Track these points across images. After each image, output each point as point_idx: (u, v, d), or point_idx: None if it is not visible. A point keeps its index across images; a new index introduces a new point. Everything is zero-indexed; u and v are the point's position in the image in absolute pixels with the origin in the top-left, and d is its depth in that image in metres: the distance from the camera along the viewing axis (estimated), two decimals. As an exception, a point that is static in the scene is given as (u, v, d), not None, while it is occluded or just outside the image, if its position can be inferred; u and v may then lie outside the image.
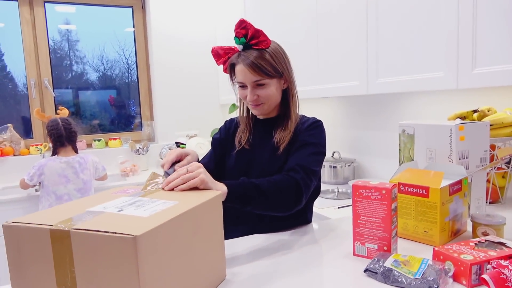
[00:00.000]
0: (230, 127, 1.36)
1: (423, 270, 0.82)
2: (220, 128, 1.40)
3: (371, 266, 0.86)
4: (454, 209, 1.06)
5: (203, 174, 0.88)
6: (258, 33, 1.13)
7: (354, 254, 0.98)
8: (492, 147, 1.35)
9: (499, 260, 0.79)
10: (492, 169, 1.35)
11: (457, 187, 1.07)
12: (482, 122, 1.22)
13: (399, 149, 1.37)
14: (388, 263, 0.85)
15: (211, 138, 3.37)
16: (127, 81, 3.41)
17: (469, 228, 1.13)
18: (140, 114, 3.40)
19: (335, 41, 1.90)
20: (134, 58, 3.34)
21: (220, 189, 0.90)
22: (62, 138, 2.32)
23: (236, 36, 1.15)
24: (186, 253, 0.72)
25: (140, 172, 2.98)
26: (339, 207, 1.78)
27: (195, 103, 3.39)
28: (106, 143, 3.18)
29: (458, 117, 1.39)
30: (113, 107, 3.40)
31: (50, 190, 2.26)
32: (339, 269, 0.91)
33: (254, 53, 1.13)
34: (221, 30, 3.28)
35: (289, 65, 1.22)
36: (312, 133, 1.18)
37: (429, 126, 1.25)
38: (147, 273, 0.61)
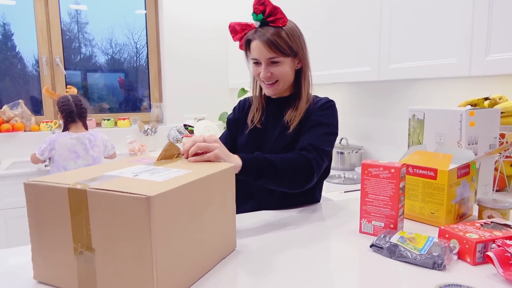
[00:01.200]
0: (244, 106, 1.37)
1: (428, 246, 0.83)
2: (234, 108, 1.41)
3: (377, 241, 0.88)
4: (461, 193, 1.07)
5: (218, 149, 0.90)
6: (276, 10, 1.14)
7: (360, 231, 1.00)
8: (502, 136, 1.35)
9: (504, 240, 0.80)
10: (500, 157, 1.35)
11: (465, 171, 1.08)
12: (493, 109, 1.22)
13: (408, 134, 1.37)
14: (394, 239, 0.86)
15: (219, 122, 3.38)
16: (135, 65, 3.42)
17: (475, 212, 1.14)
18: (149, 95, 3.42)
19: (347, 26, 1.90)
20: (143, 42, 3.34)
21: (234, 162, 0.92)
22: (73, 114, 2.34)
23: (254, 12, 1.16)
24: (197, 220, 0.74)
25: (148, 153, 3.01)
26: (345, 191, 1.79)
27: (204, 86, 3.40)
28: (115, 123, 3.21)
29: (469, 104, 1.39)
30: (122, 89, 3.42)
31: (60, 165, 2.29)
32: (345, 244, 0.93)
33: (270, 30, 1.14)
34: (233, 14, 3.26)
35: (304, 45, 1.22)
36: (325, 113, 1.19)
37: (440, 111, 1.25)
38: (158, 234, 0.63)
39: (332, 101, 1.24)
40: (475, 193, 1.22)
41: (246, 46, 1.22)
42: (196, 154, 0.90)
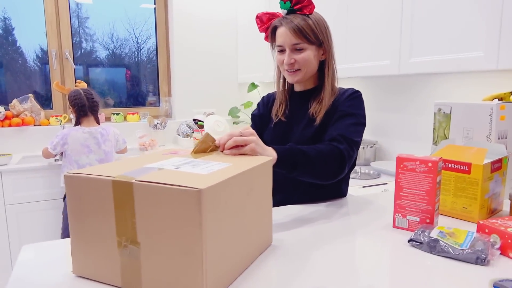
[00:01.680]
0: (268, 102, 1.37)
1: (469, 241, 0.82)
2: (258, 103, 1.41)
3: (416, 236, 0.87)
4: (493, 187, 1.06)
5: (254, 143, 0.89)
6: None
7: (394, 226, 0.99)
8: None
9: (548, 235, 0.79)
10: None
11: (498, 165, 1.06)
12: (523, 103, 1.20)
13: (434, 128, 1.36)
14: (434, 234, 0.85)
15: (228, 117, 3.37)
16: (136, 60, 3.39)
17: (505, 207, 1.13)
18: (157, 90, 3.40)
19: (366, 17, 1.87)
20: (144, 37, 3.31)
21: (270, 155, 0.91)
22: (85, 108, 2.33)
23: (281, 0, 1.15)
24: (240, 214, 0.73)
25: (158, 147, 2.99)
26: (363, 186, 1.78)
27: (213, 81, 3.38)
28: (124, 117, 3.19)
29: (495, 98, 1.37)
30: (128, 83, 3.39)
31: (72, 160, 2.28)
32: (380, 239, 0.92)
33: (297, 17, 1.14)
34: (242, 8, 3.24)
35: (330, 37, 1.21)
36: (352, 103, 1.17)
37: (468, 105, 1.24)
38: (208, 227, 0.62)
39: (358, 91, 1.22)
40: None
41: (272, 34, 1.21)
42: (232, 148, 0.88)
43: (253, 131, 0.92)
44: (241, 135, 0.89)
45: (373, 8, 1.82)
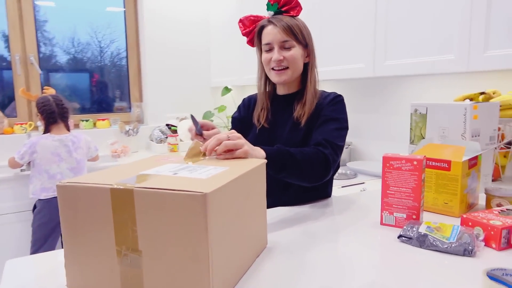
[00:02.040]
0: (249, 105, 1.36)
1: (456, 234, 0.86)
2: (238, 106, 1.40)
3: (405, 232, 0.90)
4: (470, 183, 1.11)
5: (246, 146, 0.90)
6: (291, 0, 1.15)
7: (382, 223, 1.02)
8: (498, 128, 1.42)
9: (526, 225, 0.84)
10: (495, 148, 1.42)
11: (474, 162, 1.12)
12: (494, 103, 1.28)
13: (410, 128, 1.41)
14: (422, 229, 0.88)
15: (203, 121, 3.34)
16: (99, 64, 3.29)
17: (481, 201, 1.19)
18: (129, 95, 3.33)
19: (340, 22, 1.92)
20: (107, 41, 3.22)
21: (260, 155, 0.92)
22: (54, 115, 2.24)
23: (268, 1, 1.17)
24: (240, 217, 0.73)
25: (131, 154, 2.93)
26: (342, 186, 1.82)
27: (186, 85, 3.34)
28: (94, 124, 3.09)
29: (466, 99, 1.45)
30: (93, 88, 3.27)
31: (42, 169, 2.18)
32: (370, 236, 0.94)
33: (286, 17, 1.17)
34: (215, 12, 3.23)
35: (312, 40, 1.23)
36: (335, 108, 1.20)
37: (443, 105, 1.29)
38: (213, 232, 0.61)
39: (340, 95, 1.25)
40: (477, 183, 1.27)
41: (258, 33, 1.22)
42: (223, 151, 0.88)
43: (240, 135, 0.92)
44: (229, 139, 0.89)
45: (347, 13, 1.88)
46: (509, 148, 1.44)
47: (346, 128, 1.21)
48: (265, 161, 0.86)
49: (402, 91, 2.03)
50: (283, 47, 1.17)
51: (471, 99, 1.46)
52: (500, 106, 1.35)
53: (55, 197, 2.18)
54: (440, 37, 1.46)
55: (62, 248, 2.30)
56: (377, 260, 0.81)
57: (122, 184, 0.64)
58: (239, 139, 0.91)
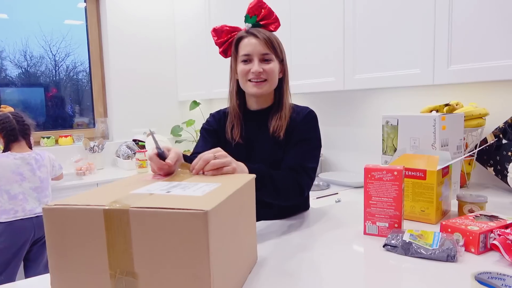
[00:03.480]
0: (220, 118, 1.31)
1: (438, 241, 0.89)
2: (208, 119, 1.34)
3: (389, 241, 0.93)
4: (444, 191, 1.17)
5: (234, 163, 0.90)
6: (271, 14, 1.18)
7: (365, 233, 1.04)
8: (460, 137, 1.50)
9: (500, 229, 0.90)
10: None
11: (446, 171, 1.18)
12: (459, 114, 1.36)
13: (383, 139, 1.47)
14: (406, 237, 0.92)
15: (170, 136, 3.28)
16: (54, 79, 3.15)
17: (453, 208, 1.25)
18: (93, 110, 3.22)
19: (310, 37, 1.98)
20: (63, 54, 3.11)
21: (244, 171, 0.94)
22: (15, 132, 2.12)
23: (247, 14, 1.18)
24: (235, 233, 0.72)
25: (97, 171, 2.82)
26: (317, 198, 1.85)
27: (152, 100, 3.28)
28: (56, 141, 2.96)
29: (432, 110, 1.53)
30: (50, 103, 3.12)
31: (1, 190, 2.05)
32: (356, 246, 0.96)
33: (266, 31, 1.19)
34: (180, 26, 3.22)
35: (285, 56, 1.25)
36: (309, 126, 1.21)
37: (414, 117, 1.36)
38: (214, 250, 0.60)
39: (313, 112, 1.25)
40: (447, 191, 1.34)
41: (235, 45, 1.21)
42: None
43: (225, 153, 0.91)
44: (215, 158, 0.88)
45: (317, 27, 1.94)
46: (473, 156, 1.53)
47: (319, 147, 1.23)
48: (254, 176, 0.86)
49: (371, 104, 2.11)
50: (263, 59, 1.17)
51: (436, 111, 1.54)
52: (464, 117, 1.44)
53: (17, 220, 2.06)
54: (406, 52, 1.54)
55: (25, 275, 2.14)
56: (366, 269, 0.83)
57: (116, 205, 0.62)
58: (226, 158, 0.90)
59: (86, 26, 3.13)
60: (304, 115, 1.23)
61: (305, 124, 1.22)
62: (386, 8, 1.60)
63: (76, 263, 0.64)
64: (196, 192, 0.69)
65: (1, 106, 2.55)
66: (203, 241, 0.59)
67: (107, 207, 0.62)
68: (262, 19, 1.17)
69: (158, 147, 0.88)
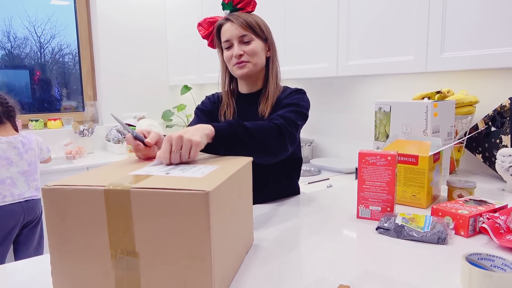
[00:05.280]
0: (214, 101, 1.33)
1: (429, 224, 0.92)
2: (203, 101, 1.36)
3: (382, 224, 0.95)
4: (434, 176, 1.20)
5: (192, 138, 0.80)
6: None
7: (358, 216, 1.06)
8: (451, 125, 1.53)
9: (489, 213, 0.93)
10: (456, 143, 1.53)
11: (437, 157, 1.20)
12: (450, 101, 1.38)
13: (375, 126, 1.49)
14: (399, 221, 0.94)
15: (161, 120, 3.26)
16: (39, 61, 3.08)
17: (443, 193, 1.28)
18: (82, 93, 3.17)
19: (304, 23, 1.97)
20: (48, 36, 3.03)
21: (206, 130, 0.87)
22: (-2, 114, 2.08)
23: (223, 1, 1.19)
24: (233, 215, 0.73)
25: (87, 155, 2.79)
26: (309, 183, 1.87)
27: (142, 83, 3.25)
28: (45, 124, 2.92)
29: (424, 97, 1.55)
30: (35, 86, 3.06)
31: (-11, 174, 2.02)
32: (349, 230, 0.98)
33: (243, 14, 1.18)
34: (172, 9, 3.17)
35: (272, 35, 1.25)
36: (295, 97, 1.19)
37: (406, 104, 1.38)
38: (215, 230, 0.61)
39: (302, 89, 1.25)
40: (437, 176, 1.37)
41: (217, 32, 1.21)
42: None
43: (176, 136, 0.79)
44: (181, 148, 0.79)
45: (310, 13, 1.93)
46: (462, 143, 1.57)
47: (304, 114, 1.16)
48: (251, 159, 0.87)
49: (363, 90, 2.13)
50: (242, 41, 1.17)
51: (428, 98, 1.56)
52: (455, 104, 1.46)
53: (6, 205, 2.03)
54: (399, 39, 1.55)
55: (15, 258, 2.13)
56: (360, 251, 0.85)
57: (117, 185, 0.62)
58: (181, 142, 0.79)
59: (75, 7, 3.06)
60: (292, 90, 1.23)
61: (292, 95, 1.20)
62: (381, -6, 1.60)
63: (77, 243, 0.64)
64: (195, 173, 0.70)
65: None
66: (204, 221, 0.59)
67: (107, 187, 0.62)
68: (238, 3, 1.18)
69: (128, 130, 0.85)
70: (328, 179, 1.93)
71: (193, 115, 1.38)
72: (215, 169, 0.74)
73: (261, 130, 0.99)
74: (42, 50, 3.06)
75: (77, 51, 3.12)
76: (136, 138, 0.86)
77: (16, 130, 2.18)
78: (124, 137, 2.88)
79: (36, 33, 3.00)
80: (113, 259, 0.63)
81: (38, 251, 2.22)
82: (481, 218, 0.93)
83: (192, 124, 1.29)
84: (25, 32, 2.95)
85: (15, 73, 3.00)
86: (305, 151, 2.36)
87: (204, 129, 0.87)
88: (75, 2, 3.05)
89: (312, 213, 1.11)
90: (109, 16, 3.03)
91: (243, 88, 1.29)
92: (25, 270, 0.80)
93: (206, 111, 1.31)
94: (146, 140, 0.86)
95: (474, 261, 0.72)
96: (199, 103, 1.36)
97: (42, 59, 3.08)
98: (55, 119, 2.90)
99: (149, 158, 0.87)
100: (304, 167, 2.20)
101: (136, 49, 3.18)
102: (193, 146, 0.80)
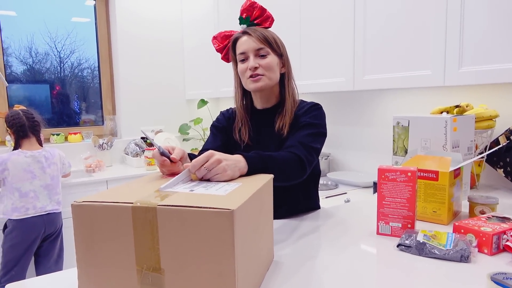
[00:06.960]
0: (229, 116, 1.33)
1: (451, 242, 0.91)
2: (218, 117, 1.36)
3: (403, 241, 0.94)
4: (455, 192, 1.18)
5: (229, 170, 0.85)
6: (263, 11, 1.21)
7: (378, 233, 1.06)
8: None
9: (513, 231, 0.91)
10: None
11: (458, 172, 1.19)
12: (470, 115, 1.37)
13: (393, 140, 1.48)
14: (420, 238, 0.93)
15: (177, 134, 3.31)
16: (59, 76, 3.17)
17: (463, 209, 1.26)
18: (101, 107, 3.25)
19: (319, 39, 1.99)
20: (67, 51, 3.13)
21: (239, 161, 0.89)
22: (24, 128, 2.15)
23: (240, 15, 1.22)
24: (256, 232, 0.74)
25: (106, 168, 2.84)
26: (326, 197, 1.86)
27: (160, 98, 3.31)
28: (66, 138, 2.99)
29: (442, 112, 1.54)
30: (54, 100, 3.14)
31: (13, 187, 2.08)
32: (370, 246, 0.98)
33: (259, 28, 1.20)
34: (188, 26, 3.24)
35: (286, 51, 1.25)
36: (312, 115, 1.20)
37: (425, 118, 1.37)
38: (239, 248, 0.62)
39: (319, 104, 1.25)
40: (458, 192, 1.35)
41: (232, 46, 1.22)
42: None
43: (217, 157, 0.84)
44: (206, 167, 0.83)
45: (326, 28, 1.95)
46: (483, 158, 1.54)
47: (323, 134, 1.19)
48: (272, 176, 0.88)
49: (380, 104, 2.12)
50: (258, 55, 1.18)
51: (447, 112, 1.55)
52: (475, 118, 1.45)
53: (29, 218, 2.08)
54: (417, 53, 1.55)
55: (35, 270, 2.18)
56: (380, 269, 0.85)
57: (144, 202, 0.64)
58: (218, 164, 0.83)
59: (96, 24, 3.15)
60: (309, 106, 1.23)
61: (310, 113, 1.20)
62: (397, 9, 1.61)
63: (104, 258, 0.66)
64: (218, 191, 0.71)
65: (14, 105, 2.58)
66: (229, 239, 0.60)
67: (135, 204, 0.63)
68: (255, 18, 1.20)
69: (157, 146, 0.90)
70: (346, 193, 1.92)
71: (209, 130, 1.40)
72: (237, 187, 0.75)
73: (287, 163, 1.03)
74: (62, 64, 3.16)
75: (95, 66, 3.21)
76: (162, 154, 0.88)
77: (41, 144, 2.25)
78: (143, 151, 2.93)
79: (56, 48, 3.10)
80: (138, 275, 0.65)
81: (58, 263, 2.25)
82: (505, 236, 0.92)
83: (208, 141, 1.31)
84: (46, 47, 3.06)
85: (36, 87, 3.09)
86: (322, 165, 2.35)
87: (241, 167, 0.89)
88: (96, 19, 3.15)
89: (331, 229, 1.11)
90: (128, 32, 3.11)
91: (258, 103, 1.28)
92: (48, 285, 0.82)
93: (221, 128, 1.31)
94: (171, 156, 0.89)
95: (499, 280, 0.71)
96: (214, 120, 1.36)
97: (62, 74, 3.17)
98: (75, 133, 2.98)
99: (174, 173, 0.89)
100: (321, 180, 2.19)
101: (154, 64, 3.25)
102: (221, 175, 0.83)
